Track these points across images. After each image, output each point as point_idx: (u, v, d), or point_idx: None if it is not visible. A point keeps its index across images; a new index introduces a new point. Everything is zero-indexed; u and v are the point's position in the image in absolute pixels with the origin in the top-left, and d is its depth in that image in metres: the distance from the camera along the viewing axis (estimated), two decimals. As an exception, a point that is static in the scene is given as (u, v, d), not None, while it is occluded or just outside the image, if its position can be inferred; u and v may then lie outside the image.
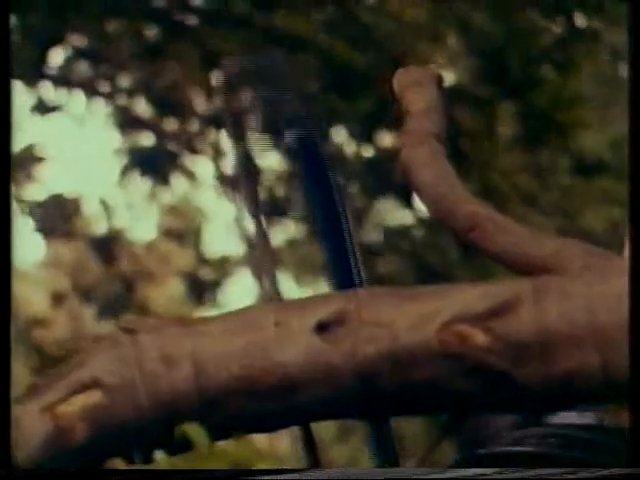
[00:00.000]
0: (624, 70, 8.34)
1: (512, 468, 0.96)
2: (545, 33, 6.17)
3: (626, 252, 0.70)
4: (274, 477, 0.64)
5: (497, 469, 0.96)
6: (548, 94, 6.28)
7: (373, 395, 0.71)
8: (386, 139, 5.63)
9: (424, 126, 0.86)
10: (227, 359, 0.72)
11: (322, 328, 0.72)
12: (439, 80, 0.91)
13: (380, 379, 0.71)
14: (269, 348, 0.72)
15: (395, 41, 5.54)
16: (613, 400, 0.71)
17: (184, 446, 0.72)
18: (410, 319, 0.71)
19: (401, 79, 0.89)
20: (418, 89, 0.89)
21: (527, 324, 0.70)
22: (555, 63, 6.28)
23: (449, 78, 6.29)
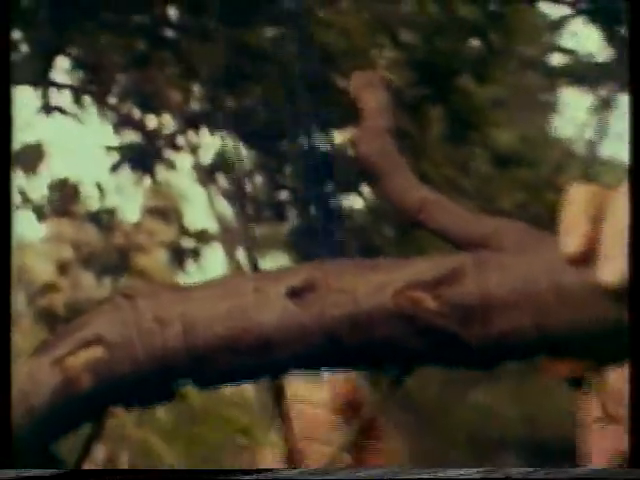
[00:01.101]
0: (531, 77, 8.37)
1: (514, 468, 0.94)
2: (465, 48, 6.19)
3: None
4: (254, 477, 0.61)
5: (499, 468, 0.95)
6: (468, 99, 6.31)
7: (338, 351, 0.70)
8: (340, 137, 5.65)
9: (378, 122, 0.85)
10: (212, 320, 0.71)
11: (294, 294, 0.71)
12: (388, 83, 0.90)
13: (344, 337, 0.70)
14: (249, 311, 0.71)
15: (342, 52, 5.54)
16: (544, 353, 0.70)
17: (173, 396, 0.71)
18: (369, 286, 0.70)
19: (356, 81, 0.88)
20: (371, 90, 0.88)
21: (470, 291, 0.69)
22: (474, 73, 6.31)
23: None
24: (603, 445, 1.04)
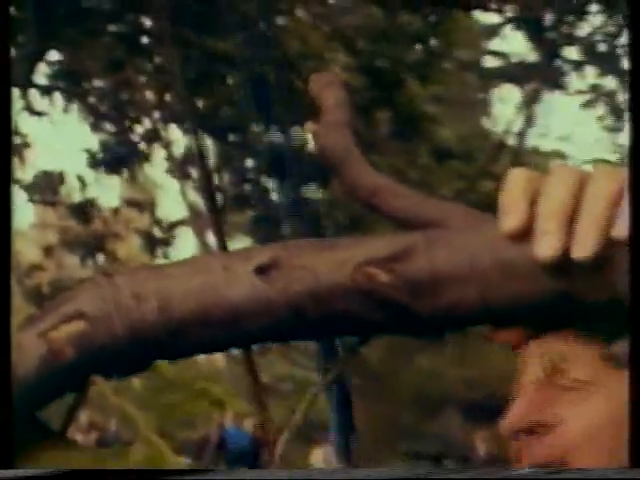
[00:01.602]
0: (467, 78, 8.39)
1: (515, 468, 0.93)
2: (409, 54, 6.20)
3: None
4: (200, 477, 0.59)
5: (501, 468, 0.93)
6: (412, 100, 6.32)
7: (301, 323, 0.69)
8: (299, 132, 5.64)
9: (336, 117, 0.84)
10: (185, 296, 0.70)
11: (261, 271, 0.69)
12: (345, 83, 0.89)
13: (307, 311, 0.69)
14: (219, 287, 0.70)
15: (299, 57, 5.53)
16: (488, 322, 0.69)
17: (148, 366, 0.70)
18: (330, 263, 0.69)
19: (316, 81, 0.87)
20: (330, 88, 0.87)
21: (420, 267, 0.68)
22: (417, 76, 6.32)
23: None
24: (537, 401, 1.02)
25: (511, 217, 0.67)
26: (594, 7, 6.84)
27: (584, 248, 0.64)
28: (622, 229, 0.64)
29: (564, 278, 0.66)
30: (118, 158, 6.67)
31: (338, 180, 0.82)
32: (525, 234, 0.67)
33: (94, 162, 6.84)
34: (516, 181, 0.68)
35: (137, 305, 0.70)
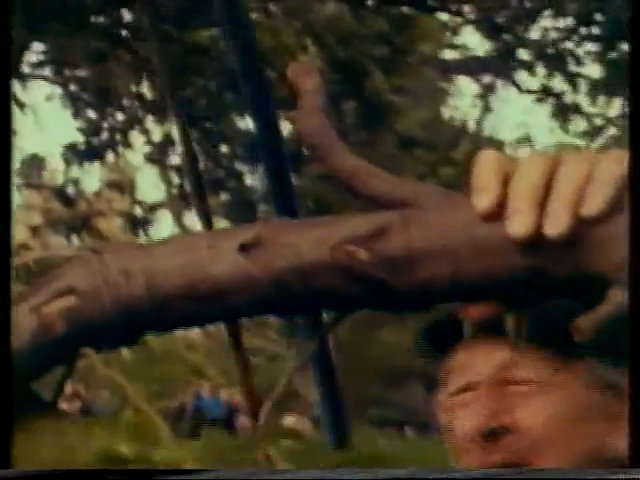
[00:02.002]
0: (429, 72, 8.38)
1: (514, 469, 0.91)
2: (376, 50, 6.18)
3: None
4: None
5: (498, 470, 0.91)
6: (377, 93, 6.30)
7: (284, 298, 0.68)
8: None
9: (314, 103, 0.83)
10: (171, 273, 0.68)
11: (244, 249, 0.68)
12: (321, 71, 0.87)
13: (289, 286, 0.67)
14: (204, 264, 0.68)
15: (271, 50, 5.50)
16: (459, 299, 0.68)
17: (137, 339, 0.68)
18: (311, 241, 0.68)
19: (293, 69, 0.86)
20: (306, 75, 0.86)
21: (397, 244, 0.67)
22: (382, 70, 6.30)
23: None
24: (490, 407, 1.00)
25: (483, 196, 0.66)
26: (546, 12, 6.86)
27: (556, 226, 0.63)
28: (592, 208, 0.63)
29: (535, 255, 0.64)
30: (99, 144, 6.61)
31: (318, 163, 0.80)
32: (497, 213, 0.65)
33: (76, 148, 6.78)
34: (487, 162, 0.67)
35: (125, 281, 0.68)
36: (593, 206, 0.64)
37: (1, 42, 0.75)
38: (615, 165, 0.65)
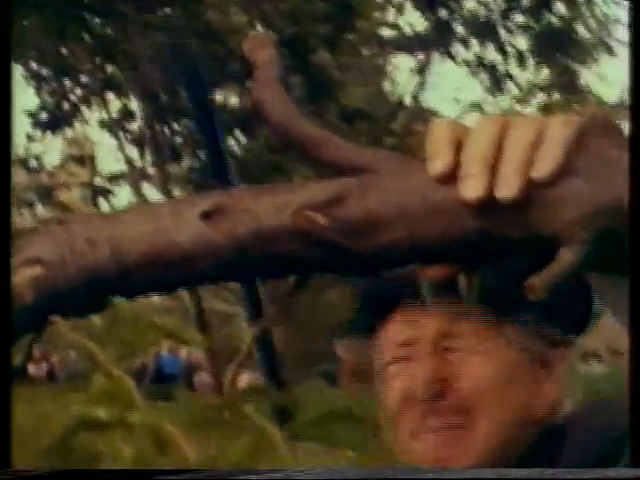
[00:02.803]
0: (370, 49, 8.33)
1: (513, 469, 0.89)
2: (319, 28, 6.13)
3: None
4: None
5: (498, 470, 0.89)
6: (322, 68, 6.26)
7: (245, 264, 0.65)
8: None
9: (269, 74, 0.79)
10: (136, 241, 0.65)
11: (206, 216, 0.65)
12: (275, 42, 0.84)
13: (250, 252, 0.64)
14: (167, 232, 0.65)
15: (222, 29, 5.42)
16: (417, 261, 0.66)
17: (106, 307, 0.65)
18: (270, 207, 0.65)
19: (249, 42, 0.82)
20: (262, 48, 0.82)
21: (355, 209, 0.64)
22: (326, 47, 6.26)
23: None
24: (433, 369, 0.99)
25: (437, 161, 0.64)
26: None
27: (507, 188, 0.61)
28: (542, 170, 0.61)
29: (487, 217, 0.62)
30: (60, 117, 6.50)
31: (276, 133, 0.77)
32: (451, 177, 0.63)
33: (37, 122, 6.66)
34: (440, 129, 0.65)
35: (90, 250, 0.65)
36: (543, 168, 0.62)
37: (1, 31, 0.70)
38: (563, 127, 0.63)
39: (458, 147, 0.64)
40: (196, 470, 0.53)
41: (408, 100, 7.62)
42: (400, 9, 7.49)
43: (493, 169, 0.62)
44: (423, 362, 0.96)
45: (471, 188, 0.62)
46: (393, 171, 0.66)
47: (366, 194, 0.65)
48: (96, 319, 0.58)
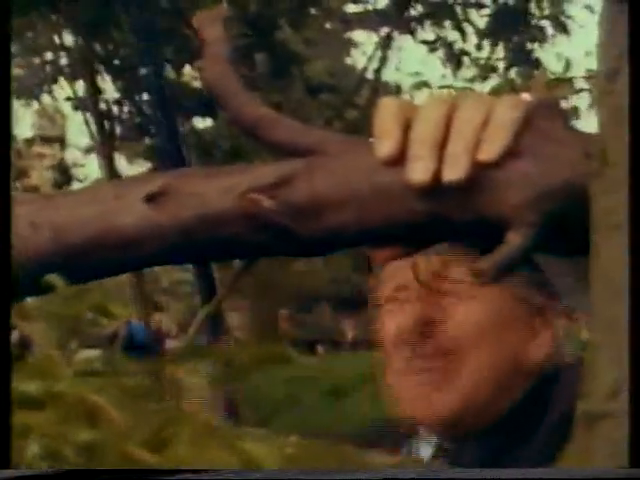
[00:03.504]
0: (334, 25, 8.25)
1: (512, 469, 0.86)
2: (282, 3, 6.06)
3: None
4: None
5: (493, 469, 0.86)
6: (286, 44, 6.19)
7: (191, 247, 0.62)
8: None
9: (217, 51, 0.75)
10: (80, 224, 0.62)
11: (151, 199, 0.61)
12: (225, 17, 0.80)
13: (197, 235, 0.61)
14: (111, 215, 0.61)
15: (186, 6, 5.34)
16: (365, 243, 0.63)
17: (48, 290, 0.61)
18: (216, 190, 0.62)
19: (199, 18, 0.78)
20: (211, 25, 0.78)
21: (302, 192, 0.61)
22: (289, 23, 6.19)
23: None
24: (422, 307, 0.96)
25: (385, 143, 0.61)
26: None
27: (454, 171, 0.58)
28: (489, 152, 0.59)
29: (435, 200, 0.60)
30: (28, 92, 6.38)
31: (223, 111, 0.74)
32: (399, 159, 0.60)
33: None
34: (388, 109, 0.62)
35: (33, 234, 0.62)
36: (490, 150, 0.59)
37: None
38: (510, 109, 0.60)
39: (406, 127, 0.61)
40: (196, 470, 0.50)
41: (371, 74, 7.57)
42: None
43: (440, 151, 0.59)
44: (413, 303, 0.93)
45: (418, 171, 0.59)
46: (341, 152, 0.63)
47: (313, 176, 0.61)
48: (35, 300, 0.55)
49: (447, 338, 0.91)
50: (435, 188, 0.59)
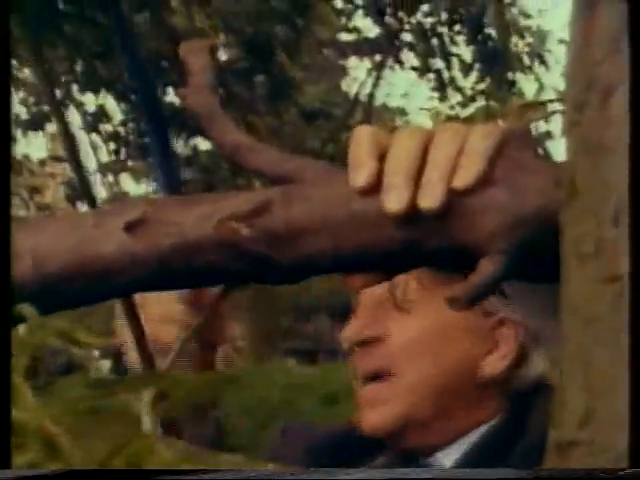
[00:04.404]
0: (328, 52, 8.25)
1: (511, 469, 0.83)
2: (279, 31, 6.06)
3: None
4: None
5: (494, 469, 0.84)
6: (283, 69, 6.18)
7: (169, 275, 0.59)
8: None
9: (201, 81, 0.73)
10: (59, 253, 0.59)
11: (130, 227, 0.59)
12: (212, 49, 0.78)
13: (174, 263, 0.58)
14: (90, 244, 0.59)
15: (185, 33, 5.33)
16: (341, 270, 0.60)
17: (20, 320, 0.58)
18: (194, 219, 0.59)
19: (185, 48, 0.76)
20: (196, 54, 0.76)
21: (278, 220, 0.59)
22: (286, 49, 6.19)
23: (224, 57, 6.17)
24: (370, 318, 0.94)
25: (359, 173, 0.58)
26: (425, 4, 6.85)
27: (430, 199, 0.56)
28: (463, 180, 0.56)
29: (411, 227, 0.57)
30: (40, 117, 6.37)
31: (207, 138, 0.71)
32: (374, 187, 0.58)
33: (19, 121, 6.53)
34: (363, 138, 0.59)
35: (15, 262, 0.59)
36: (464, 178, 0.56)
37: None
38: (485, 138, 0.58)
39: (381, 156, 0.59)
40: (196, 470, 0.48)
41: (363, 99, 7.58)
42: (355, 16, 7.46)
43: (415, 180, 0.57)
44: (363, 310, 0.91)
45: (393, 200, 0.57)
46: (318, 180, 0.61)
47: (290, 204, 0.59)
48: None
49: (387, 349, 0.89)
50: (410, 216, 0.57)
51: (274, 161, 0.63)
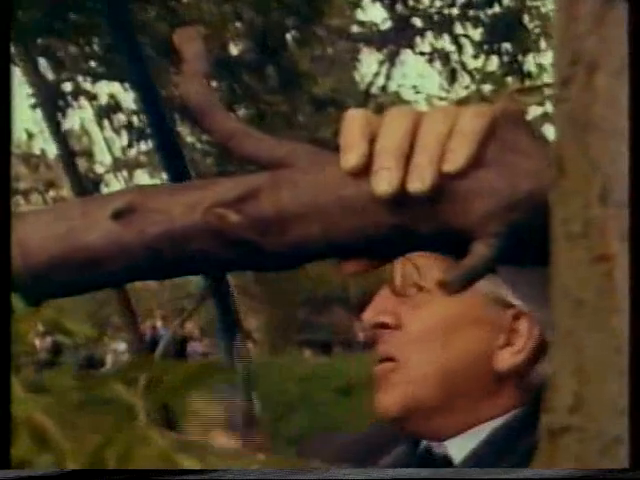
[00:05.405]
0: (340, 43, 8.24)
1: (511, 469, 0.82)
2: (289, 22, 6.05)
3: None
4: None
5: (500, 469, 0.83)
6: (293, 59, 6.18)
7: (158, 263, 0.58)
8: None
9: (195, 68, 0.72)
10: (47, 243, 0.58)
11: (117, 216, 0.58)
12: (204, 37, 0.77)
13: (163, 252, 0.58)
14: (78, 233, 0.58)
15: (195, 23, 5.31)
16: (332, 255, 0.59)
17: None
18: (182, 206, 0.58)
19: (178, 35, 0.75)
20: (190, 42, 0.75)
21: (267, 206, 0.58)
22: (296, 40, 6.17)
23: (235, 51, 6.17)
24: (388, 304, 0.94)
25: (350, 155, 0.57)
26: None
27: (419, 182, 0.55)
28: (453, 163, 0.55)
29: (401, 211, 0.56)
30: (54, 111, 6.38)
31: (199, 126, 0.70)
32: (364, 170, 0.57)
33: (36, 119, 6.55)
34: (354, 121, 0.58)
35: None
36: (455, 161, 0.55)
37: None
38: (475, 119, 0.57)
39: (372, 139, 0.58)
40: (196, 471, 0.47)
41: (376, 88, 7.56)
42: (366, 6, 7.43)
43: (406, 162, 0.56)
44: (378, 295, 0.91)
45: (383, 182, 0.55)
46: (307, 165, 0.60)
47: (279, 189, 0.58)
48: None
49: (398, 336, 0.89)
50: (401, 199, 0.55)
51: (265, 147, 0.62)
